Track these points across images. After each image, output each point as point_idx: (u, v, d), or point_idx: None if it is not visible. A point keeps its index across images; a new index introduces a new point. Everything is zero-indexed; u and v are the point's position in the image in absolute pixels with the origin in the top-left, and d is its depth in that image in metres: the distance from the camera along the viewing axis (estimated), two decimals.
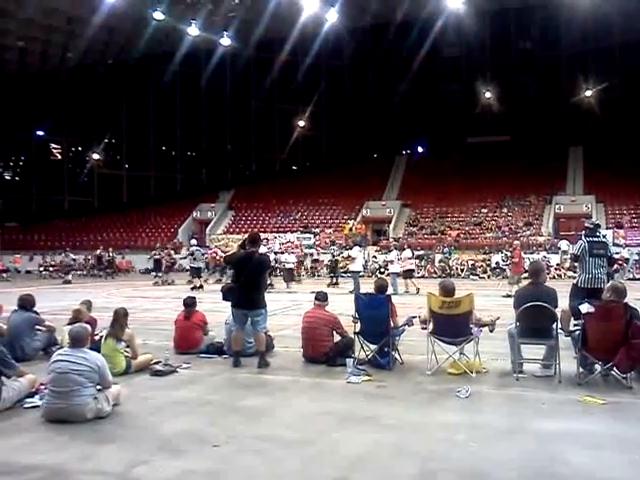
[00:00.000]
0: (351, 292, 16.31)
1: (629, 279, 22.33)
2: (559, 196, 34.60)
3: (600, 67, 40.12)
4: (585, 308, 6.40)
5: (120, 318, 7.09)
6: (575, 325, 6.62)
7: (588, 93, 41.05)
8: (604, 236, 9.14)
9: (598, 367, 6.52)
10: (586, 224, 8.84)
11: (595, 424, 5.05)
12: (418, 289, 17.19)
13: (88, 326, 5.87)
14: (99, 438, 4.78)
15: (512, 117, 44.48)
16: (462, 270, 27.58)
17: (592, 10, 33.22)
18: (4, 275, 27.21)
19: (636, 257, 25.18)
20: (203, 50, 39.71)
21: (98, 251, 28.90)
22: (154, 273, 23.67)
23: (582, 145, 39.83)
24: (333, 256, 23.67)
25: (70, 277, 25.24)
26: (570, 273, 26.24)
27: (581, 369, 6.47)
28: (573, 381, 6.36)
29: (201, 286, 19.65)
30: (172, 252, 24.85)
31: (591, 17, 35.18)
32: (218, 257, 22.27)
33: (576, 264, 8.69)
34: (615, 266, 8.67)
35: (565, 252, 26.14)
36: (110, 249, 29.71)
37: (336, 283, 21.11)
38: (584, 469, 4.09)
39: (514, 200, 35.80)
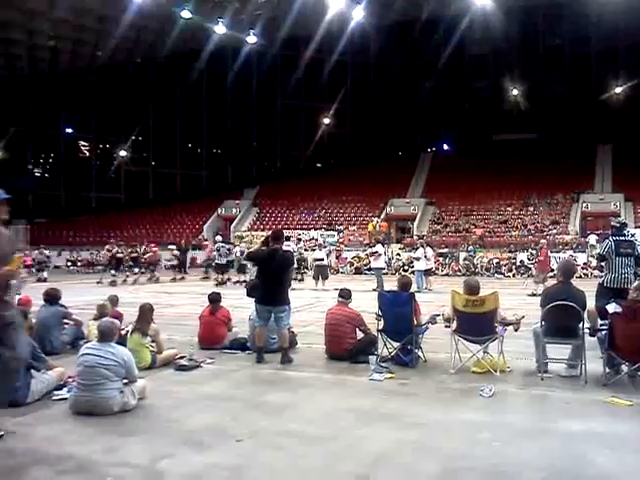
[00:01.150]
0: (375, 290, 16.30)
1: None
2: (587, 194, 34.05)
3: (631, 64, 39.31)
4: (612, 308, 6.32)
5: (146, 313, 7.19)
6: (601, 325, 6.53)
7: (618, 90, 40.31)
8: (632, 235, 8.98)
9: (625, 368, 6.43)
10: (612, 223, 8.71)
11: (621, 425, 4.98)
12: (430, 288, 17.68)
13: (117, 321, 5.97)
14: (125, 431, 4.87)
15: (539, 115, 43.89)
16: (487, 269, 27.34)
17: (623, 5, 32.58)
18: (33, 270, 27.68)
19: None
20: (229, 48, 39.91)
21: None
22: (112, 272, 21.43)
23: (611, 143, 39.13)
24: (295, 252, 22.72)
25: (45, 275, 23.47)
26: (597, 272, 25.94)
27: (607, 369, 6.38)
28: (599, 382, 6.28)
29: (225, 282, 19.77)
30: (154, 248, 23.23)
31: (622, 13, 34.47)
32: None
33: (602, 264, 8.58)
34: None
35: (594, 246, 25.73)
36: (137, 244, 30.02)
37: (301, 279, 21.32)
38: (609, 471, 4.04)
39: (540, 198, 35.34)
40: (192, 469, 4.09)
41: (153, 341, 7.16)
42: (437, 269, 25.27)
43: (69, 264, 30.58)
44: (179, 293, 15.80)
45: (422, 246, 19.61)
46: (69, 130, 41.69)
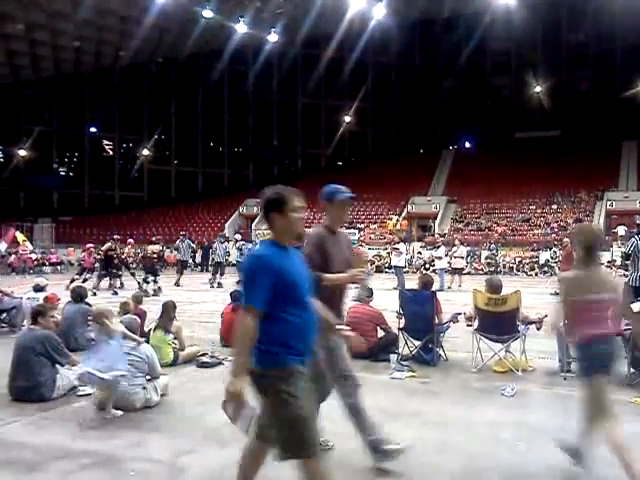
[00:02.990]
0: (395, 288, 16.26)
1: None
2: (611, 192, 33.55)
3: None
4: (637, 307, 6.24)
5: (169, 310, 7.26)
6: (626, 324, 6.44)
7: None
8: None
9: None
10: (638, 221, 8.62)
11: None
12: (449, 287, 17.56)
13: (138, 318, 6.04)
14: (148, 427, 4.93)
15: (563, 111, 43.40)
16: (509, 267, 27.11)
17: None
18: (58, 267, 28.12)
19: None
20: (250, 47, 40.05)
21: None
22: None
23: (636, 139, 38.51)
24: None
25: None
26: (621, 271, 25.58)
27: (632, 370, 6.31)
28: (623, 382, 6.19)
29: None
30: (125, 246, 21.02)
31: None
32: None
33: (628, 262, 8.48)
34: None
35: (622, 237, 25.38)
36: (161, 242, 30.38)
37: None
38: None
39: (564, 196, 34.92)
40: (213, 465, 4.14)
41: (175, 338, 7.23)
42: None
43: None
44: (201, 291, 15.92)
45: (444, 244, 19.59)
46: (93, 129, 42.24)
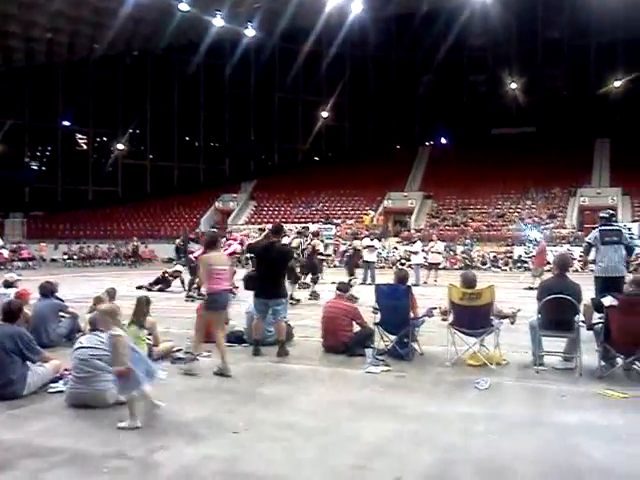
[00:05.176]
0: (363, 283, 16.44)
1: None
2: (584, 188, 34.05)
3: (629, 58, 39.28)
4: (608, 301, 6.34)
5: (143, 306, 7.18)
6: (599, 318, 6.55)
7: (616, 84, 40.27)
8: (625, 225, 9.07)
9: (619, 361, 6.45)
10: (601, 214, 8.78)
11: (615, 418, 5.00)
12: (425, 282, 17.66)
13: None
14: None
15: (538, 108, 43.88)
16: (484, 262, 27.39)
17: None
18: (30, 263, 27.67)
19: None
20: (227, 41, 39.73)
21: (133, 243, 29.50)
22: None
23: (609, 137, 39.09)
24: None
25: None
26: (593, 266, 25.99)
27: (602, 362, 6.41)
28: (594, 374, 6.31)
29: None
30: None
31: (621, 6, 34.41)
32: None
33: (590, 256, 8.65)
34: (635, 256, 8.70)
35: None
36: (135, 238, 30.22)
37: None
38: (603, 463, 4.06)
39: (538, 192, 35.35)
40: (187, 461, 4.10)
41: (150, 334, 7.16)
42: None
43: (65, 257, 30.52)
44: (176, 286, 15.78)
45: (432, 239, 19.83)
46: (66, 123, 41.55)
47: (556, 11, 41.94)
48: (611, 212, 8.87)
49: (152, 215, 40.16)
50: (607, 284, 7.62)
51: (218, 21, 33.51)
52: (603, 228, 8.34)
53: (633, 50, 38.88)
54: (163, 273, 16.33)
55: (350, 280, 13.79)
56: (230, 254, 14.00)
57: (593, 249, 8.43)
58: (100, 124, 42.27)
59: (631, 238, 8.43)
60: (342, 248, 27.71)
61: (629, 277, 7.47)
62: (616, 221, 8.59)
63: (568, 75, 43.74)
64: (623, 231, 8.33)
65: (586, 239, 8.82)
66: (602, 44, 40.81)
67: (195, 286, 12.83)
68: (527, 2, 41.30)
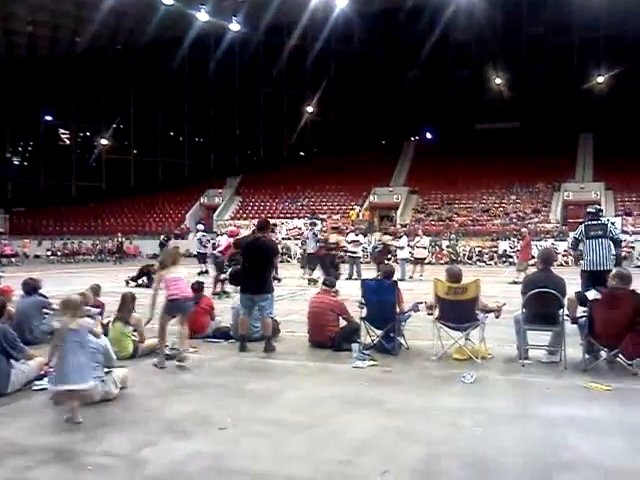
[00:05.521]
0: (349, 278, 16.49)
1: (636, 266, 22.27)
2: (568, 183, 34.34)
3: (612, 53, 39.63)
4: (592, 295, 6.41)
5: (128, 302, 7.15)
6: (583, 312, 6.61)
7: (600, 79, 40.60)
8: (608, 220, 9.18)
9: (603, 354, 6.53)
10: (588, 209, 8.89)
11: (600, 410, 5.06)
12: (411, 277, 17.68)
13: (94, 309, 5.92)
14: (106, 420, 4.84)
15: (522, 103, 44.13)
16: (469, 257, 27.55)
17: None
18: (13, 260, 27.40)
19: None
20: (212, 35, 39.51)
21: (117, 239, 29.24)
22: None
23: (592, 132, 39.43)
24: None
25: None
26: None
27: (587, 355, 6.47)
28: (578, 367, 6.37)
29: (207, 271, 19.68)
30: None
31: (604, 2, 34.66)
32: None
33: (575, 251, 8.80)
34: (622, 251, 8.89)
35: None
36: (119, 234, 30.02)
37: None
38: (588, 455, 4.10)
39: (522, 187, 35.59)
40: (174, 457, 4.09)
41: (135, 330, 7.12)
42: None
43: (49, 254, 30.27)
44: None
45: (418, 234, 19.89)
46: (48, 118, 41.15)
47: (540, 7, 42.13)
48: (598, 207, 8.99)
49: (137, 211, 39.92)
50: (593, 278, 7.70)
51: (202, 15, 33.28)
52: (588, 223, 8.44)
53: (616, 46, 39.27)
54: (144, 268, 16.15)
55: (378, 276, 13.82)
56: (226, 247, 13.97)
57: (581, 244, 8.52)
58: (83, 119, 41.92)
59: (622, 232, 8.64)
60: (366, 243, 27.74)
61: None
62: (602, 216, 8.70)
63: (552, 71, 44.00)
64: (608, 225, 8.40)
65: (572, 234, 8.89)
66: (585, 40, 41.13)
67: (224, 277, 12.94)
68: None
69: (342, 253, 16.75)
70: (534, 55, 44.05)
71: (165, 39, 39.54)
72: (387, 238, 17.18)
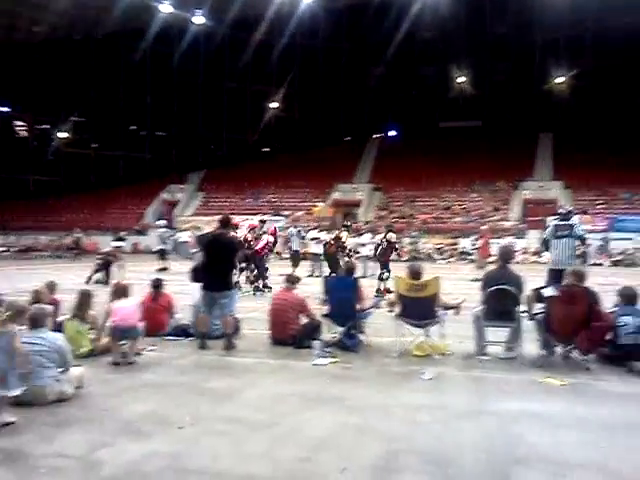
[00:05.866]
0: (310, 275, 16.53)
1: (591, 264, 22.81)
2: (527, 182, 35.02)
3: (572, 55, 40.46)
4: (549, 292, 6.55)
5: (85, 299, 7.00)
6: (541, 308, 6.74)
7: (559, 80, 41.43)
8: (574, 222, 9.57)
9: (559, 349, 6.67)
10: (559, 210, 9.32)
11: (555, 404, 5.17)
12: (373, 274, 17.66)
13: (48, 307, 5.77)
14: (61, 421, 4.73)
15: (485, 102, 44.71)
16: (430, 254, 27.83)
17: None
18: None
19: (600, 243, 25.69)
20: (175, 28, 38.87)
21: (75, 235, 28.59)
22: None
23: (552, 132, 40.25)
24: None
25: None
26: (534, 258, 26.91)
27: (543, 351, 6.62)
28: (535, 363, 6.50)
29: (167, 268, 19.47)
30: None
31: (566, 4, 35.34)
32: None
33: (547, 251, 9.10)
34: (587, 247, 9.43)
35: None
36: (77, 230, 29.37)
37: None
38: (542, 449, 4.18)
39: (483, 185, 36.12)
40: (131, 457, 4.02)
41: (92, 328, 6.98)
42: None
43: (3, 249, 29.46)
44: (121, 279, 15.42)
45: (368, 231, 19.89)
46: (4, 109, 39.96)
47: (503, 7, 42.69)
48: (569, 209, 9.41)
49: (96, 206, 39.15)
50: (558, 275, 7.91)
51: (166, 7, 32.79)
52: (557, 223, 8.81)
53: (575, 47, 40.08)
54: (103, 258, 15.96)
55: (382, 274, 13.76)
56: (263, 246, 13.83)
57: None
58: (41, 111, 40.82)
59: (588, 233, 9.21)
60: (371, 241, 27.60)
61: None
62: (572, 218, 9.08)
63: (514, 70, 44.66)
64: (575, 225, 8.74)
65: (543, 235, 9.34)
66: (546, 40, 41.81)
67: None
68: None
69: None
70: (497, 54, 44.64)
71: (127, 30, 38.73)
72: (392, 236, 17.06)
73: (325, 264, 17.06)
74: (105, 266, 15.78)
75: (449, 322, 7.25)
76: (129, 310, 6.86)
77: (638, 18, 34.99)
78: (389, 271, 14.09)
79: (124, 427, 4.59)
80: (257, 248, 14.00)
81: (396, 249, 17.42)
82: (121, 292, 7.10)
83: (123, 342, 7.10)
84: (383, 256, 15.57)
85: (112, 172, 43.23)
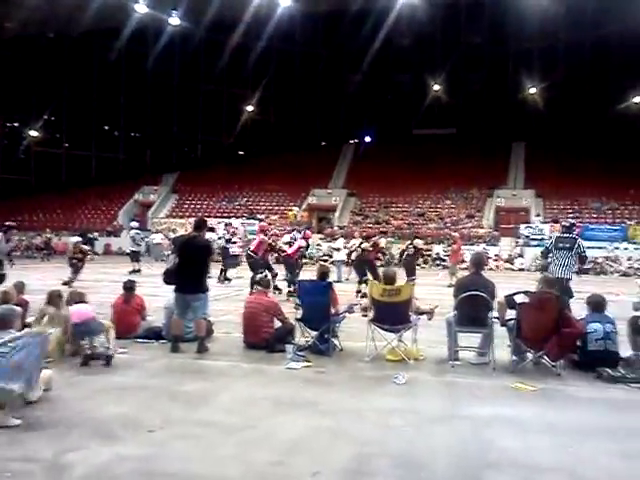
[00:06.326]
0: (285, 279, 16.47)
1: None
2: (500, 190, 35.47)
3: (544, 66, 41.17)
4: (520, 298, 6.64)
5: (54, 300, 6.88)
6: (513, 315, 6.82)
7: (532, 90, 42.08)
8: (614, 230, 10.25)
9: (530, 355, 6.75)
10: (562, 223, 9.96)
11: (526, 409, 5.23)
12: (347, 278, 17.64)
13: (17, 307, 5.65)
14: (28, 424, 4.62)
15: (459, 111, 45.18)
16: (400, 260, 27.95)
17: (540, 8, 34.00)
18: None
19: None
20: (151, 28, 38.58)
21: (45, 235, 28.12)
22: None
23: (525, 141, 40.86)
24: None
25: None
26: (507, 265, 27.31)
27: (514, 357, 6.71)
28: (506, 369, 6.58)
29: (139, 270, 19.27)
30: None
31: (539, 15, 35.91)
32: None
33: (545, 259, 9.60)
34: (587, 267, 10.09)
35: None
36: (48, 230, 28.94)
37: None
38: (513, 453, 4.22)
39: (457, 192, 36.48)
40: (100, 461, 3.96)
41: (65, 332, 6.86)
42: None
43: None
44: (92, 280, 15.23)
45: (354, 237, 19.94)
46: None
47: (477, 18, 43.29)
48: (571, 222, 9.66)
49: (67, 206, 38.57)
50: (558, 284, 8.31)
51: (141, 7, 32.50)
52: (559, 235, 9.20)
53: (548, 58, 40.81)
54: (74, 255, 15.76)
55: (411, 279, 13.68)
56: (297, 249, 13.80)
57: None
58: (11, 109, 40.03)
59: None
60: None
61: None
62: (574, 231, 9.46)
63: (488, 80, 45.19)
64: (577, 240, 9.05)
65: (545, 244, 9.77)
66: (520, 52, 42.47)
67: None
68: (451, 7, 42.39)
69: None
70: (472, 64, 45.10)
71: (102, 29, 38.23)
72: (419, 242, 16.92)
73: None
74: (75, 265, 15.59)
75: (422, 327, 7.30)
76: (86, 310, 6.93)
77: (606, 32, 35.96)
78: (414, 278, 14.11)
79: (94, 430, 4.52)
80: (289, 252, 13.93)
81: (423, 255, 17.31)
82: (77, 298, 7.16)
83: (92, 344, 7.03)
84: (410, 263, 15.47)
85: (84, 172, 42.54)
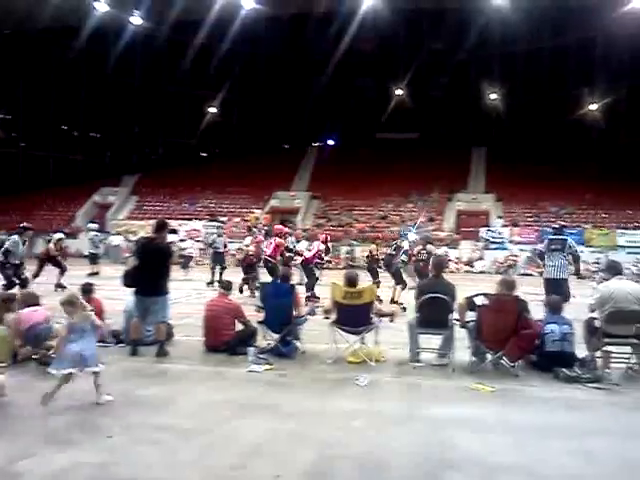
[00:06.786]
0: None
1: (520, 274, 23.63)
2: (461, 193, 35.99)
3: (504, 72, 41.99)
4: (480, 300, 6.74)
5: (5, 303, 6.68)
6: (472, 317, 6.91)
7: (493, 96, 42.85)
8: (569, 234, 10.45)
9: (489, 356, 6.85)
10: (553, 225, 10.30)
11: (484, 410, 5.30)
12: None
13: None
14: None
15: (422, 115, 45.64)
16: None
17: (501, 16, 34.64)
18: None
19: (529, 254, 26.62)
20: (112, 27, 37.88)
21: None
22: None
23: (485, 146, 41.55)
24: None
25: None
26: (467, 268, 27.68)
27: (473, 358, 6.79)
28: (466, 370, 6.66)
29: (97, 272, 18.92)
30: None
31: (499, 23, 36.59)
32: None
33: (542, 261, 9.75)
34: (580, 265, 10.23)
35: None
36: (2, 232, 28.09)
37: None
38: (472, 453, 4.27)
39: (419, 196, 36.85)
40: (55, 468, 3.86)
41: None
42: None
43: None
44: (48, 283, 14.85)
45: (306, 239, 19.88)
46: None
47: (440, 24, 43.79)
48: (562, 224, 10.16)
49: (23, 208, 37.52)
50: (552, 285, 8.77)
51: (102, 5, 31.93)
52: (551, 237, 9.50)
53: (508, 65, 41.65)
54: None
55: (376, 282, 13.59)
56: (315, 253, 13.82)
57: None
58: None
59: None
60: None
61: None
62: (564, 232, 9.72)
63: (450, 86, 45.79)
64: (568, 241, 9.35)
65: (540, 247, 9.97)
66: (481, 58, 43.19)
67: None
68: (414, 13, 42.82)
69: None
70: (434, 70, 45.63)
71: (61, 27, 37.39)
72: (432, 247, 16.76)
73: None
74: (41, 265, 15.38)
75: (384, 329, 7.35)
76: (38, 314, 6.82)
77: (564, 40, 36.88)
78: (379, 280, 14.14)
79: (49, 436, 4.41)
80: (307, 257, 13.69)
81: (378, 259, 17.30)
82: (29, 301, 7.04)
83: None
84: (422, 268, 15.37)
85: (41, 173, 41.52)
